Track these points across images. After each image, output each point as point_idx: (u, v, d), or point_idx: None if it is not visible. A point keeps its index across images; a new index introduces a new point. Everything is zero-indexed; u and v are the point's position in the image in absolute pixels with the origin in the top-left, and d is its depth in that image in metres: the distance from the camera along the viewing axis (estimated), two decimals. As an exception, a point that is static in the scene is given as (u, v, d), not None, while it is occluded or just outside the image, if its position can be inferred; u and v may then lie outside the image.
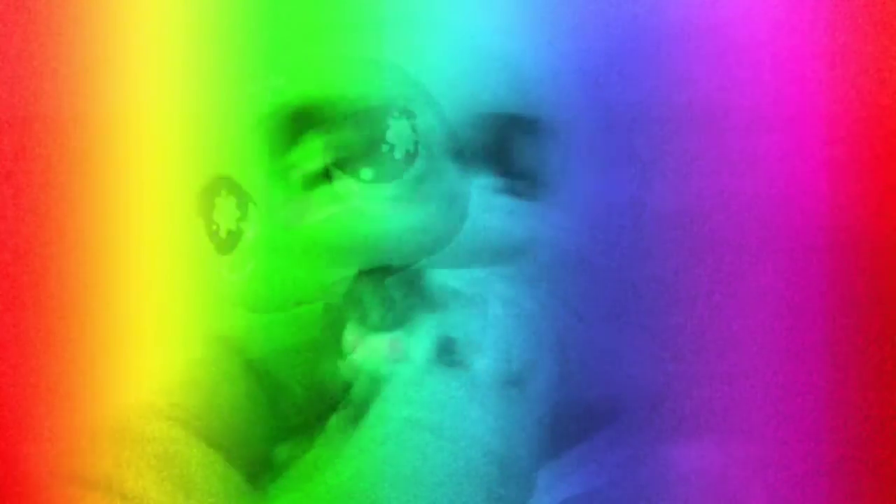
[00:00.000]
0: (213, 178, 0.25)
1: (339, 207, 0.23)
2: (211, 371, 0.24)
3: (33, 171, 0.36)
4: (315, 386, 0.25)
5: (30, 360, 0.34)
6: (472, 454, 0.20)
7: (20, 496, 0.20)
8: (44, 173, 0.36)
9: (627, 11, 0.33)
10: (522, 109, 0.25)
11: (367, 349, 0.24)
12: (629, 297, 0.36)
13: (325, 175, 0.23)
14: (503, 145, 0.23)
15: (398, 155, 0.22)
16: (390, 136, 0.22)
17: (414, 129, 0.22)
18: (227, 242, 0.25)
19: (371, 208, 0.22)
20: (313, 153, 0.23)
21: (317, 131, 0.23)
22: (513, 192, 0.23)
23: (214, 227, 0.25)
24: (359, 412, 0.25)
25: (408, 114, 0.22)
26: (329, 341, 0.25)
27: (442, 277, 0.24)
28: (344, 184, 0.22)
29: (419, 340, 0.23)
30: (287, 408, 0.25)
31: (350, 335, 0.25)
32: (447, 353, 0.22)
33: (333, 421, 0.25)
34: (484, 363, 0.22)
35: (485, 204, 0.23)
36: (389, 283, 0.24)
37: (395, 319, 0.24)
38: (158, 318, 0.31)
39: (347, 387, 0.24)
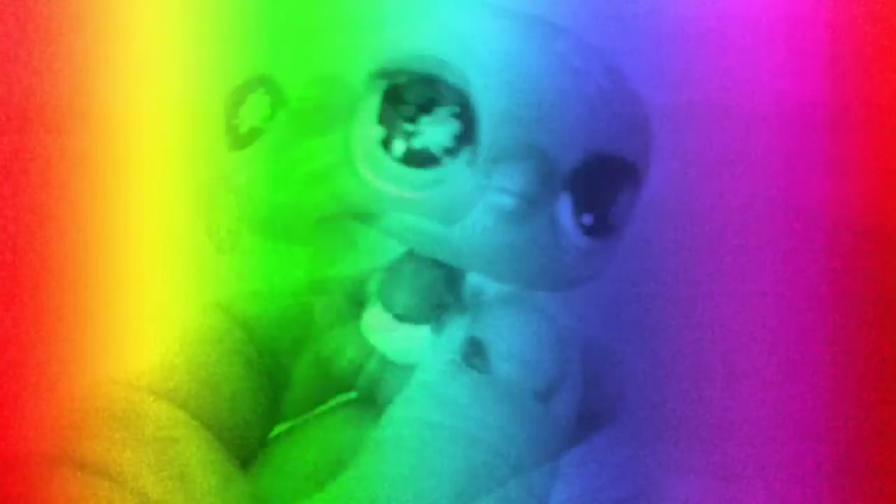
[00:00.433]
0: (252, 76, 0.24)
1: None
2: (210, 351, 0.23)
3: (25, 142, 0.36)
4: (320, 364, 0.24)
5: (22, 337, 0.33)
6: (489, 461, 0.20)
7: (8, 477, 0.19)
8: (34, 145, 0.36)
9: (627, 10, 0.33)
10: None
11: (388, 335, 0.23)
12: (629, 296, 0.36)
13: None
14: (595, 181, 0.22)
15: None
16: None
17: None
18: (245, 138, 0.24)
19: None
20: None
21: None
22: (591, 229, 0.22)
23: (236, 121, 0.24)
24: (366, 398, 0.24)
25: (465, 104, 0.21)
26: (344, 318, 0.24)
27: (480, 281, 0.23)
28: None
29: (446, 340, 0.22)
30: (287, 387, 0.24)
31: (371, 317, 0.23)
32: (473, 356, 0.21)
33: (335, 404, 0.25)
34: (509, 370, 0.21)
35: (564, 234, 0.22)
36: (432, 273, 0.23)
37: (424, 313, 0.23)
38: (158, 297, 0.31)
39: (356, 369, 0.24)
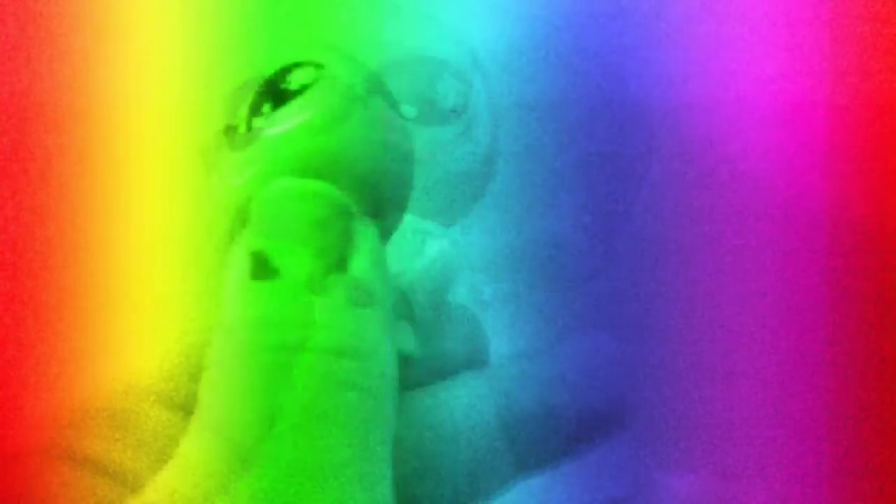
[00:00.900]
0: (261, 80, 0.24)
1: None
2: (206, 355, 0.23)
3: (25, 142, 0.36)
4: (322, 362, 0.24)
5: (22, 337, 0.33)
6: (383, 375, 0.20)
7: (8, 473, 0.20)
8: (34, 144, 0.36)
9: (627, 10, 0.33)
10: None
11: None
12: (629, 296, 0.36)
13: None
14: None
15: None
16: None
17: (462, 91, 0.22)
18: (244, 139, 0.24)
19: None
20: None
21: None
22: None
23: (236, 122, 0.24)
24: None
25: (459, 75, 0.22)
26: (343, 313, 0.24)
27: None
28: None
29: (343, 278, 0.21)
30: (289, 388, 0.24)
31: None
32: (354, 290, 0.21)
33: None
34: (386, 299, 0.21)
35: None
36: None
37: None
38: (155, 301, 0.31)
39: None
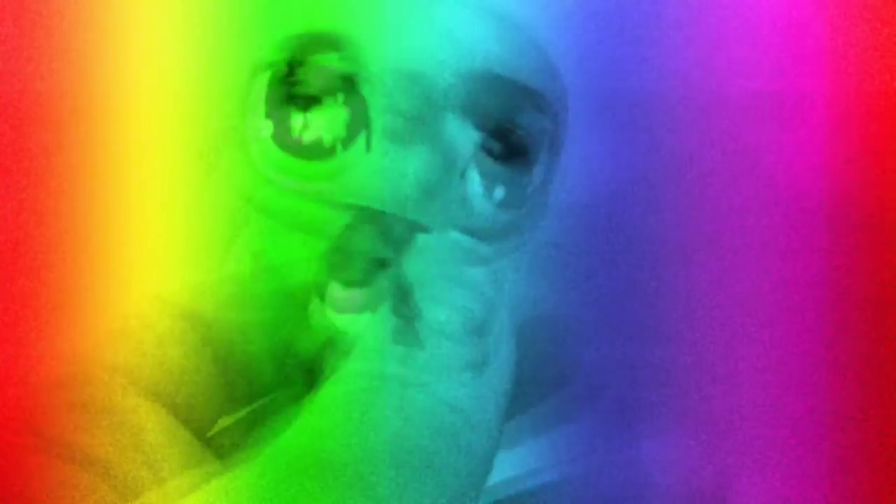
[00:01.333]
0: (273, 74, 0.24)
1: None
2: (172, 340, 0.23)
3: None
4: (280, 349, 0.24)
5: (21, 337, 0.33)
6: (435, 405, 0.20)
7: None
8: (34, 143, 0.36)
9: (625, 8, 0.33)
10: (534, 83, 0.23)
11: (339, 305, 0.23)
12: (628, 296, 0.36)
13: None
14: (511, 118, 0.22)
15: None
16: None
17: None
18: (314, 149, 0.23)
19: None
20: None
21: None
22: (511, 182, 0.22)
23: (297, 132, 0.23)
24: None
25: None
26: (298, 302, 0.24)
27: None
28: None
29: (377, 292, 0.22)
30: (245, 374, 0.24)
31: (336, 291, 0.23)
32: (400, 303, 0.21)
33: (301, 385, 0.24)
34: (440, 314, 0.21)
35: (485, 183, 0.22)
36: (367, 234, 0.22)
37: (367, 273, 0.22)
38: (119, 287, 0.31)
39: (321, 349, 0.23)
